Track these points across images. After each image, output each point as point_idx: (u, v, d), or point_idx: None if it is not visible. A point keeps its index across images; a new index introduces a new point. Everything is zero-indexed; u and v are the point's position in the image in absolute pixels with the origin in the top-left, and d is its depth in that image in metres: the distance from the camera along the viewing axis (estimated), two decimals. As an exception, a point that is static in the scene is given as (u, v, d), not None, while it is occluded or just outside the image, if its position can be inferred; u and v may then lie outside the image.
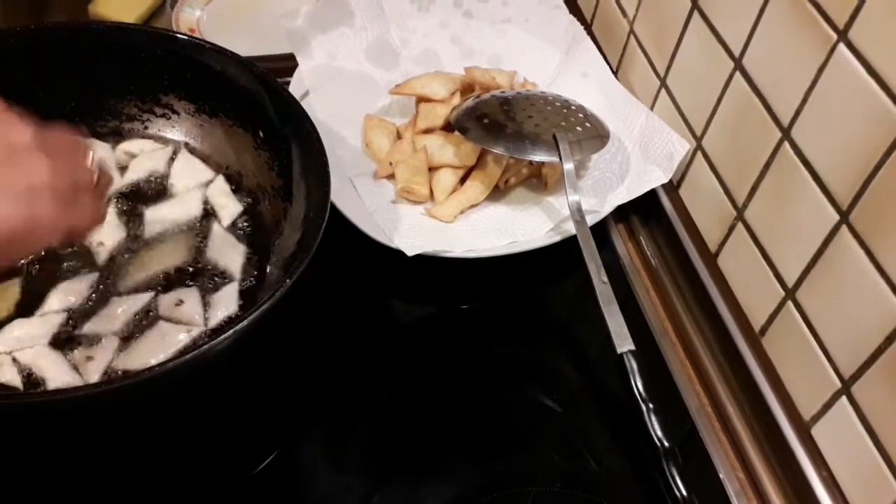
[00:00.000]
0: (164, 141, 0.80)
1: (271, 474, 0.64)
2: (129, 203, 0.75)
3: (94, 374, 0.64)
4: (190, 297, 0.69)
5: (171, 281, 0.70)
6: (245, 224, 0.75)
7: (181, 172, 0.78)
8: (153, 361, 0.64)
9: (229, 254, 0.73)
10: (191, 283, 0.70)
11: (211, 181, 0.78)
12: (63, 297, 0.67)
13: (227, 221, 0.75)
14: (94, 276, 0.70)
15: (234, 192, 0.77)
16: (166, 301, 0.69)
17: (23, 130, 0.47)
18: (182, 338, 0.66)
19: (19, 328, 0.65)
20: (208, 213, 0.75)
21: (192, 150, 0.79)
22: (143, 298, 0.69)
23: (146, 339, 0.66)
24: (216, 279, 0.71)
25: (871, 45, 0.56)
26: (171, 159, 0.79)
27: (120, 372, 0.64)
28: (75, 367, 0.64)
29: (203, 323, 0.67)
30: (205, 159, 0.79)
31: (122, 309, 0.68)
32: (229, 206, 0.76)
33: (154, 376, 0.54)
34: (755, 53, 0.68)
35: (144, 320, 0.68)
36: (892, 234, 0.55)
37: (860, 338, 0.58)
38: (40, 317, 0.67)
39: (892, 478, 0.57)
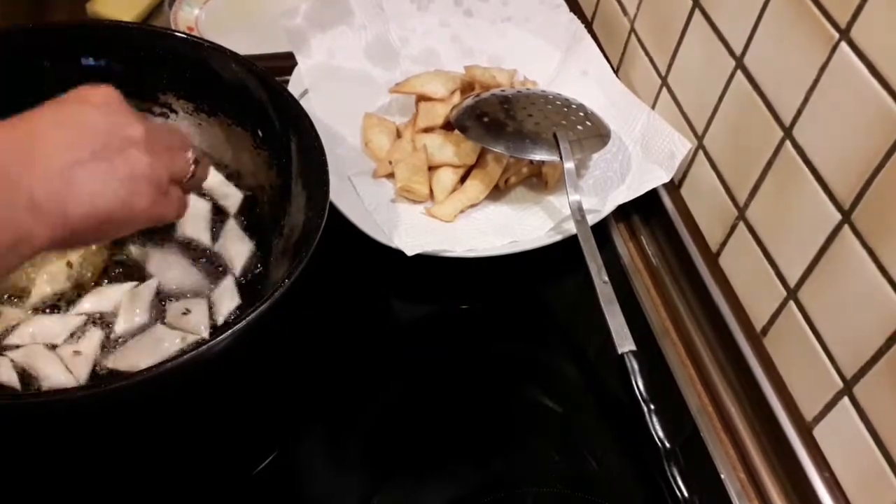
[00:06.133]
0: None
1: (271, 474, 0.64)
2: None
3: (83, 370, 0.64)
4: (197, 307, 0.68)
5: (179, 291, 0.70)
6: (250, 214, 0.75)
7: None
8: (142, 365, 0.63)
9: (237, 249, 0.72)
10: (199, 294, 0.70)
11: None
12: (93, 302, 0.68)
13: (233, 210, 0.75)
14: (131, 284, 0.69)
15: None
16: (174, 309, 0.68)
17: (136, 126, 0.52)
18: (177, 342, 0.66)
19: (35, 325, 0.65)
20: (216, 210, 0.75)
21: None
22: (151, 285, 0.69)
23: (140, 340, 0.66)
24: (219, 274, 0.71)
25: (873, 44, 0.56)
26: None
27: (108, 370, 0.64)
28: (66, 366, 0.64)
29: (207, 333, 0.67)
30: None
31: (140, 300, 0.68)
32: (231, 195, 0.76)
33: (154, 376, 0.54)
34: (757, 52, 0.68)
35: (168, 299, 0.69)
36: (895, 233, 0.55)
37: (862, 338, 0.58)
38: (61, 316, 0.67)
39: (895, 478, 0.57)
